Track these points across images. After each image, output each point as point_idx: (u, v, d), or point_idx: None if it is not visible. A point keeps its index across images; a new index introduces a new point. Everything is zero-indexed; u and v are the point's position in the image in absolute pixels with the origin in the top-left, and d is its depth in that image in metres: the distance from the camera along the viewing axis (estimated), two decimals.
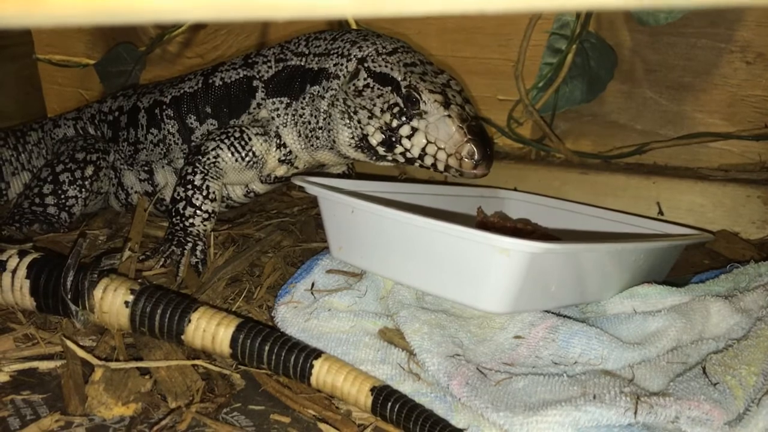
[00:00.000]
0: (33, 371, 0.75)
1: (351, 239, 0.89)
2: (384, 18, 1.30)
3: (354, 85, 0.98)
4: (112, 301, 0.76)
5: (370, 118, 0.96)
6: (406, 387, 0.71)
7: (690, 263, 1.09)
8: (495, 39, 1.33)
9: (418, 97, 0.92)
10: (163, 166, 1.19)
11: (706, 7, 1.15)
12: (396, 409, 0.67)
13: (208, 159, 1.06)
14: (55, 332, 0.81)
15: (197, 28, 1.51)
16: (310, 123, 1.04)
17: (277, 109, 1.08)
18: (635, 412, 0.63)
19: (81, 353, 0.75)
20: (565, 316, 0.83)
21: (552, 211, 1.17)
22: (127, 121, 1.23)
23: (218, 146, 1.06)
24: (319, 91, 1.03)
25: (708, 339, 0.78)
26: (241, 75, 1.12)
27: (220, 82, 1.13)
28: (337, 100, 1.00)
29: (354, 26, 1.33)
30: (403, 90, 0.93)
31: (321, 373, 0.71)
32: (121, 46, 1.56)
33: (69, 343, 0.76)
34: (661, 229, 1.07)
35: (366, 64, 0.98)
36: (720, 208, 1.22)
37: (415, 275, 0.83)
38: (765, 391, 0.68)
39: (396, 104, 0.94)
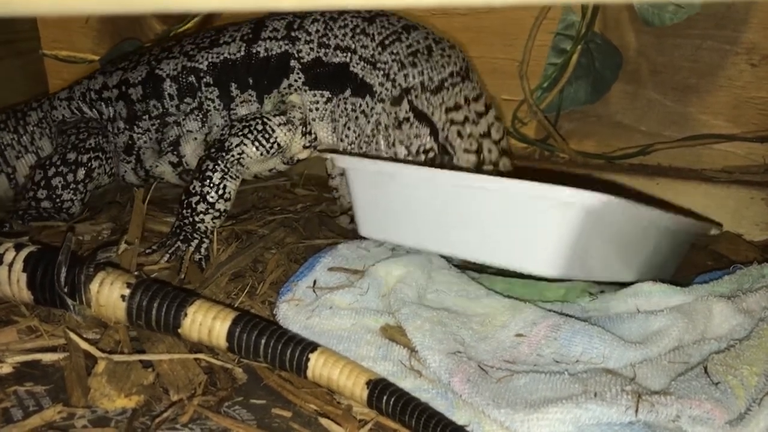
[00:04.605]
0: (36, 363, 0.76)
1: (387, 212, 0.85)
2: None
3: (396, 114, 0.96)
4: (109, 295, 0.76)
5: (407, 155, 0.96)
6: (408, 384, 0.71)
7: (693, 264, 1.09)
8: (500, 39, 1.33)
9: (452, 152, 0.92)
10: (195, 138, 1.16)
11: (711, 6, 1.15)
12: (392, 403, 0.67)
13: (233, 156, 1.04)
14: (58, 325, 0.81)
15: (202, 24, 1.51)
16: (354, 132, 1.02)
17: (317, 102, 1.06)
18: (636, 411, 0.63)
19: (84, 345, 0.75)
20: (567, 315, 0.83)
21: None
22: (143, 93, 1.18)
23: (242, 142, 1.04)
24: (362, 107, 1.01)
25: (710, 339, 0.78)
26: (283, 50, 1.08)
27: (265, 53, 1.09)
28: (380, 124, 0.98)
29: None
30: (440, 140, 0.93)
31: (317, 366, 0.71)
32: (126, 42, 1.56)
33: (72, 336, 0.77)
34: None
35: (409, 97, 0.95)
36: (723, 209, 1.21)
37: (464, 244, 0.79)
38: (766, 392, 0.68)
39: (432, 149, 0.93)
